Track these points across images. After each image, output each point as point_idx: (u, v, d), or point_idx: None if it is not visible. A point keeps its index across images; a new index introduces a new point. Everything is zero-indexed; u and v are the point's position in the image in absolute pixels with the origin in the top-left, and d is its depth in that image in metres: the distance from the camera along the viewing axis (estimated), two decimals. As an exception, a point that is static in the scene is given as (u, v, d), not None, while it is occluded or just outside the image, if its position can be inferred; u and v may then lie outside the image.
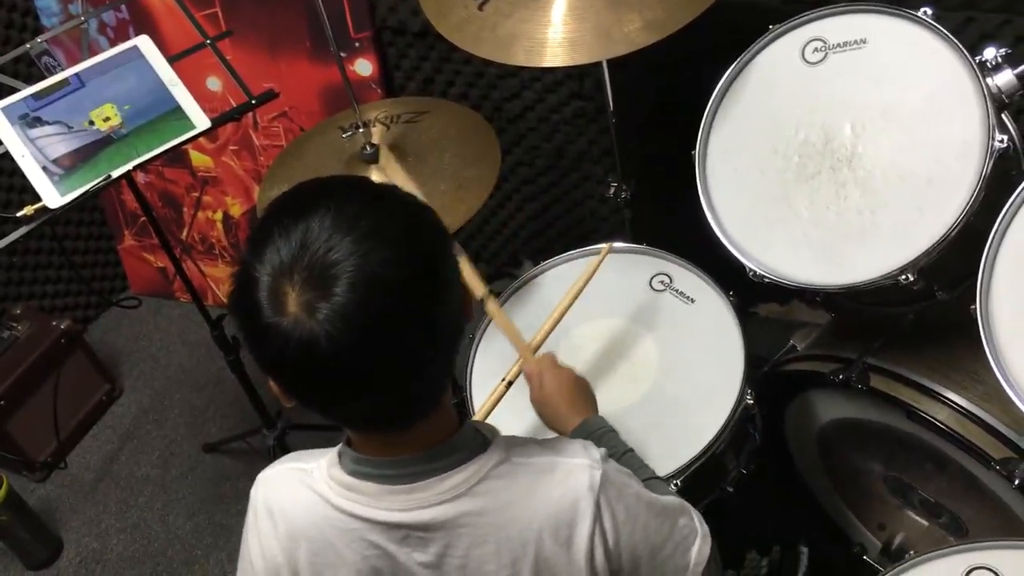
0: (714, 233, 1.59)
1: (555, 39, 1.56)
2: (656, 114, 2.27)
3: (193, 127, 1.77)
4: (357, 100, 1.80)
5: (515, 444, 1.03)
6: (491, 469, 0.98)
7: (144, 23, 2.61)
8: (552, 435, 1.32)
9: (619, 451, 1.28)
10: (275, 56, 2.54)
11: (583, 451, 1.04)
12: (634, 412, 1.60)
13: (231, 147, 2.78)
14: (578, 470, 1.01)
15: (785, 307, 2.55)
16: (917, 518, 1.81)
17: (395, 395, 0.90)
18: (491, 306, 1.52)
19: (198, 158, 2.84)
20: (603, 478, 1.01)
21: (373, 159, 1.80)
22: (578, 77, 2.34)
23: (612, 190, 2.05)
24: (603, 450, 1.05)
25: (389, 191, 0.93)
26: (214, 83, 2.57)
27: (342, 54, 2.33)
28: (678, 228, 1.75)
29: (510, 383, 1.47)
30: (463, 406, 1.65)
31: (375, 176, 1.79)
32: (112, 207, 3.07)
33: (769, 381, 1.81)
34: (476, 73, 2.45)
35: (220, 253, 3.02)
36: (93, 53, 1.81)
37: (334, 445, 1.04)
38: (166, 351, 3.05)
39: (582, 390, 1.37)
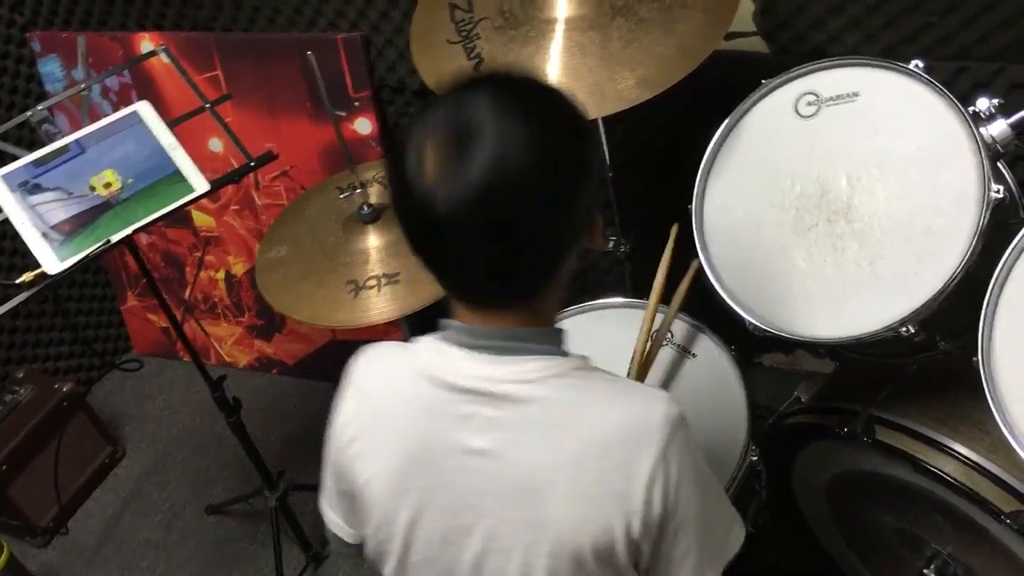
0: (712, 286, 1.59)
1: (549, 97, 1.57)
2: (652, 168, 2.28)
3: (192, 190, 1.78)
4: (357, 159, 1.82)
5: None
6: (573, 368, 1.00)
7: (146, 87, 2.64)
8: None
9: None
10: (275, 116, 2.57)
11: (664, 392, 1.02)
12: (637, 469, 1.58)
13: (233, 207, 2.79)
14: (659, 400, 0.99)
15: (790, 356, 2.54)
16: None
17: (507, 267, 0.95)
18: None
19: (200, 218, 2.86)
20: (680, 419, 0.98)
21: (371, 219, 1.80)
22: (575, 132, 2.35)
23: (611, 244, 2.05)
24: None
25: (552, 90, 0.99)
26: (216, 144, 2.59)
27: (342, 113, 2.35)
28: (678, 282, 1.75)
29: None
30: None
31: (372, 238, 1.79)
32: (115, 268, 3.08)
33: (774, 434, 1.79)
34: (474, 130, 2.46)
35: (223, 312, 3.02)
36: (94, 117, 1.83)
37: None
38: (169, 412, 3.03)
39: None
